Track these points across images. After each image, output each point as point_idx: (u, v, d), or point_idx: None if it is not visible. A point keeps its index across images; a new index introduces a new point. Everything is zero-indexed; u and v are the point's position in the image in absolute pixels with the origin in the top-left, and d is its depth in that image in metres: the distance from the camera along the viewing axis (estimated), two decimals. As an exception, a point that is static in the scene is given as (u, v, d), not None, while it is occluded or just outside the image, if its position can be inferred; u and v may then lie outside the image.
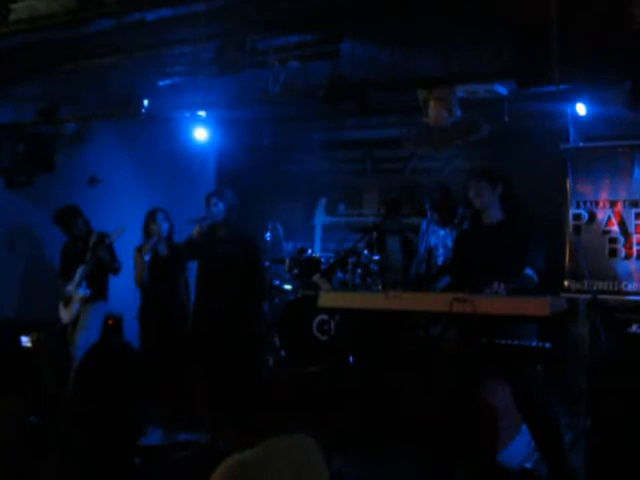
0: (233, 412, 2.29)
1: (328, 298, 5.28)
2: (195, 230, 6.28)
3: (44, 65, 6.05)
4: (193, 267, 6.91)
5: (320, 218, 8.97)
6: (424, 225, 6.49)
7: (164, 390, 6.02)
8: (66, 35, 5.43)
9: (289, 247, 7.75)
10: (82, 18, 5.13)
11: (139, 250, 6.63)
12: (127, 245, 6.84)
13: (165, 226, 6.65)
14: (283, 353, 7.15)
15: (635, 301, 5.88)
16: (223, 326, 5.99)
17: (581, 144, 6.48)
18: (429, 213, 6.37)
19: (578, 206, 6.31)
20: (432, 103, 5.59)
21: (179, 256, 6.65)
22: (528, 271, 4.59)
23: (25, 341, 6.13)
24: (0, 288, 6.96)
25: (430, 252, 6.37)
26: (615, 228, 6.12)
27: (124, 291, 6.95)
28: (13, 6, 5.33)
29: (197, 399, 6.14)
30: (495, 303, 4.22)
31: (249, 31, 5.38)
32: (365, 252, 6.91)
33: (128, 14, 5.03)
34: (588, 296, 5.88)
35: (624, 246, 6.06)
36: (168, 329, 6.48)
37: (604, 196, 6.21)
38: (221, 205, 6.29)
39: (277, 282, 7.70)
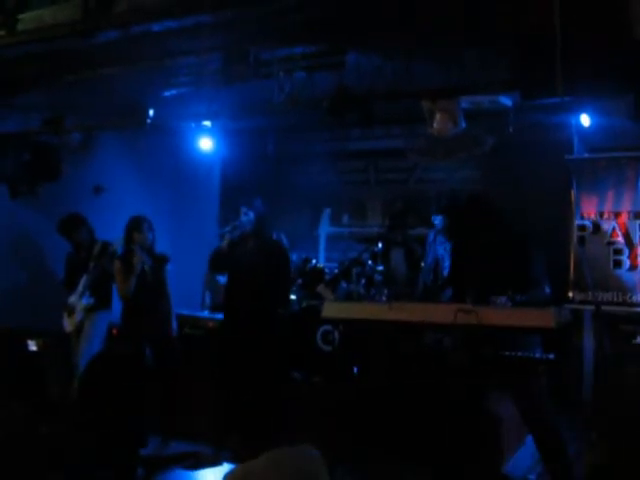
0: (243, 422, 2.29)
1: (332, 308, 5.29)
2: (225, 241, 6.12)
3: (50, 75, 6.07)
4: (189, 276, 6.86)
5: (324, 228, 8.97)
6: (431, 236, 6.49)
7: (164, 402, 6.03)
8: (72, 45, 5.45)
9: (293, 257, 7.74)
10: (88, 29, 5.15)
11: (124, 260, 6.42)
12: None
13: (150, 236, 6.50)
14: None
15: (640, 312, 5.87)
16: (252, 336, 5.86)
17: (585, 155, 6.49)
18: (433, 217, 6.35)
19: (582, 217, 6.31)
20: (437, 115, 5.60)
21: (211, 266, 6.47)
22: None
23: (31, 344, 6.10)
24: (5, 297, 6.96)
25: (437, 263, 6.35)
26: (620, 239, 6.11)
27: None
28: (21, 16, 5.37)
29: (199, 411, 6.13)
30: (500, 314, 4.22)
31: (254, 42, 5.40)
32: (369, 263, 6.89)
33: (134, 25, 5.04)
34: (593, 307, 5.87)
35: (628, 257, 6.06)
36: (154, 342, 6.36)
37: (608, 207, 6.21)
38: (251, 214, 6.12)
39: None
